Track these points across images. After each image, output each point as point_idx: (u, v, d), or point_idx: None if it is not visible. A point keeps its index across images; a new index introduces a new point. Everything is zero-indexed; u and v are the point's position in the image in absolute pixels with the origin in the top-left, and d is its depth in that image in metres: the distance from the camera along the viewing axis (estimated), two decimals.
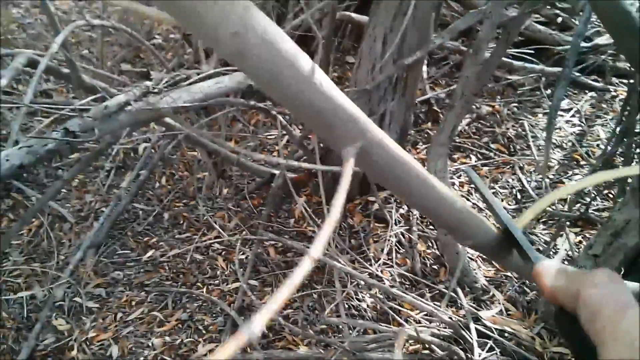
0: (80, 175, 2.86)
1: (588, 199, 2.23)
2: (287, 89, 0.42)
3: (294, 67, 0.41)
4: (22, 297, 2.22)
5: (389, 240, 2.20)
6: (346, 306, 2.05)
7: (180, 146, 2.79)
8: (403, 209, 2.37)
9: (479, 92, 1.93)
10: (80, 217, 2.57)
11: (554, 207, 2.26)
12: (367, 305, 2.07)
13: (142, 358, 2.01)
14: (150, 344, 2.04)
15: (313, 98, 0.43)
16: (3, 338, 2.07)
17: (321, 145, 2.21)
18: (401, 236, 2.23)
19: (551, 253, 2.11)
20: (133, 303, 2.20)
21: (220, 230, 2.26)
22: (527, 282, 2.07)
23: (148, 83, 1.49)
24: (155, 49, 3.23)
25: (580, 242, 2.18)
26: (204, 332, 2.06)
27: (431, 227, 2.29)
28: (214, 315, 2.11)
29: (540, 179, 2.42)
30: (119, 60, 3.24)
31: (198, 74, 1.76)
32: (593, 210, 2.25)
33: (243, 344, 0.28)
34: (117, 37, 3.50)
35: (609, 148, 2.01)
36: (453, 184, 2.47)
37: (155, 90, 1.46)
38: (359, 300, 2.08)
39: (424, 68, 2.90)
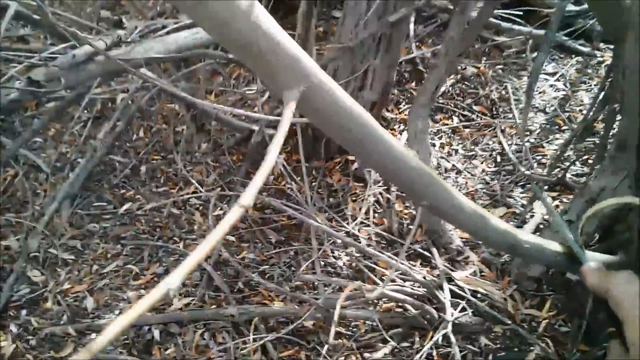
0: (57, 124, 2.80)
1: (567, 164, 2.24)
2: (224, 27, 0.39)
3: (231, 3, 0.38)
4: None
5: (367, 199, 2.20)
6: (322, 264, 2.07)
7: (159, 98, 2.73)
8: None
9: (463, 53, 1.90)
10: (56, 167, 2.52)
11: (532, 170, 2.26)
12: (343, 264, 2.08)
13: (117, 311, 2.02)
14: (125, 297, 2.05)
15: (251, 36, 0.40)
16: None
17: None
18: (379, 196, 2.23)
19: (527, 216, 2.13)
20: (109, 256, 2.20)
21: (198, 185, 2.24)
22: None
23: (120, 32, 1.43)
24: None
25: (557, 206, 2.19)
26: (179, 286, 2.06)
27: None
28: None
29: (521, 143, 2.41)
30: (99, 7, 3.12)
31: (176, 24, 1.69)
32: (572, 175, 2.26)
33: (162, 296, 0.28)
34: None
35: (591, 114, 2.00)
36: (434, 145, 2.46)
37: (128, 40, 1.40)
38: (335, 258, 2.10)
39: (411, 26, 2.84)
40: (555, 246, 0.69)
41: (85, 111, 2.84)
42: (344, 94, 0.48)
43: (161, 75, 2.36)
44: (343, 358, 1.85)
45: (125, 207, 2.35)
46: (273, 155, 0.36)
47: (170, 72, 2.38)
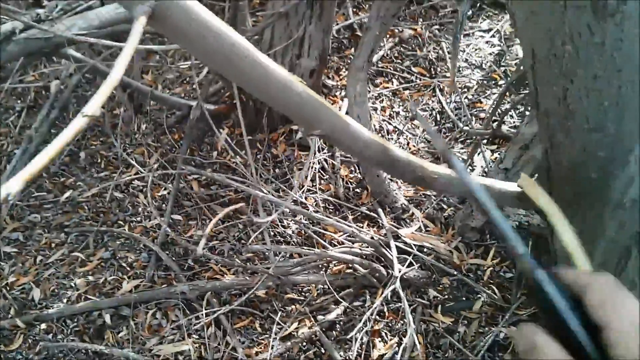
0: None
1: (500, 116, 2.29)
2: None
3: None
4: None
5: (311, 167, 2.21)
6: (271, 234, 2.07)
7: (94, 81, 2.64)
8: None
9: (397, 14, 1.90)
10: None
11: (469, 126, 2.31)
12: (292, 232, 2.09)
13: (65, 299, 1.98)
14: (72, 285, 2.01)
15: None
16: None
17: None
18: (324, 162, 2.24)
19: (469, 170, 2.18)
20: (53, 245, 2.14)
21: (139, 167, 2.19)
22: (445, 199, 2.14)
23: (40, 10, 1.38)
24: None
25: (496, 158, 2.25)
26: (128, 269, 2.03)
27: None
28: (137, 251, 2.09)
29: (459, 100, 2.46)
30: None
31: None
32: (510, 127, 2.32)
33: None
34: None
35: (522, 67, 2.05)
36: (375, 109, 2.48)
37: (49, 18, 1.34)
38: (284, 227, 2.10)
39: None
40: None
41: (19, 101, 2.73)
42: (210, 14, 0.46)
43: (93, 56, 2.28)
44: (297, 323, 1.87)
45: (66, 195, 2.29)
46: (119, 68, 0.35)
47: (99, 51, 2.29)
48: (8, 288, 2.02)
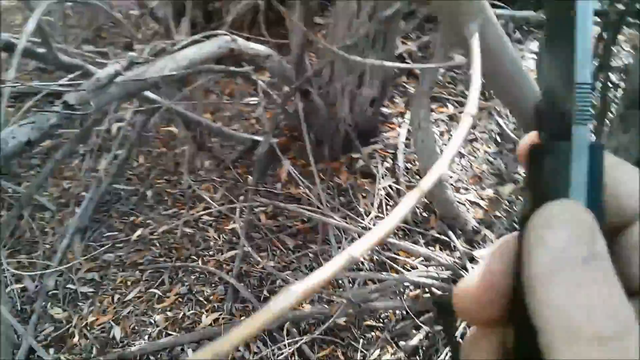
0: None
1: None
2: None
3: None
4: (13, 289, 2.17)
5: (377, 193, 2.23)
6: None
7: (153, 123, 2.73)
8: (388, 162, 2.40)
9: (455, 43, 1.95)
10: (61, 204, 2.50)
11: None
12: (364, 258, 2.10)
13: (146, 336, 2.00)
14: (152, 321, 2.03)
15: None
16: None
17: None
18: (389, 189, 2.26)
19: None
20: (129, 283, 2.18)
21: (210, 200, 2.24)
22: (516, 219, 2.13)
23: (132, 54, 1.45)
24: (116, 26, 3.12)
25: None
26: (205, 303, 2.06)
27: (417, 176, 2.32)
28: (213, 285, 2.11)
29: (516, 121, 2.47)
30: (80, 42, 3.12)
31: (173, 44, 1.71)
32: None
33: (346, 262, 0.24)
34: (76, 19, 3.36)
35: None
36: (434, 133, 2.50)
37: (140, 61, 1.41)
38: None
39: None
40: None
41: (81, 145, 2.83)
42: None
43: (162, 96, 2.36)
44: (379, 350, 1.86)
45: (137, 233, 2.34)
46: (476, 75, 0.36)
47: (167, 94, 2.38)
48: (88, 328, 2.05)
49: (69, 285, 2.19)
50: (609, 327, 0.18)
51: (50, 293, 2.16)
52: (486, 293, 0.23)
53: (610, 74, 1.87)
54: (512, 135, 2.38)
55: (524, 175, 0.23)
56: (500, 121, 2.48)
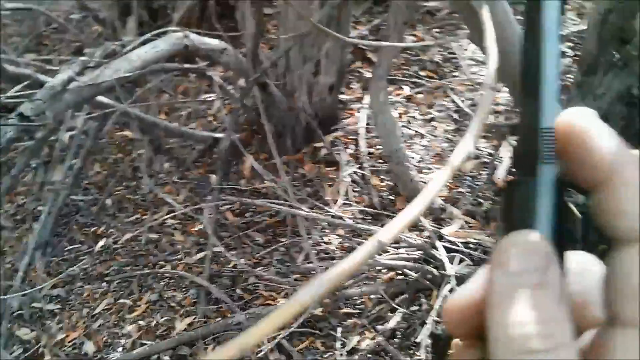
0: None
1: None
2: None
3: None
4: None
5: (343, 181, 2.22)
6: (315, 252, 2.07)
7: (107, 128, 2.64)
8: (350, 148, 2.39)
9: (407, 21, 1.95)
10: (17, 220, 2.41)
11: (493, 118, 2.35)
12: (335, 247, 2.09)
13: (120, 348, 1.95)
14: (124, 332, 1.98)
15: None
16: None
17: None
18: (354, 175, 2.26)
19: (497, 163, 2.21)
20: (96, 295, 2.12)
21: (173, 202, 2.19)
22: (480, 193, 2.16)
23: (83, 58, 1.39)
24: (58, 32, 3.01)
25: None
26: (178, 307, 2.01)
27: (380, 160, 2.33)
28: (184, 289, 2.07)
29: (473, 97, 2.50)
30: (22, 51, 2.99)
31: (123, 46, 1.65)
32: None
33: (374, 249, 0.24)
34: (15, 28, 3.21)
35: None
36: None
37: (93, 65, 1.36)
38: (325, 243, 2.10)
39: None
40: None
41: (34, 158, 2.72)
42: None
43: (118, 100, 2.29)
44: (358, 336, 1.86)
45: (100, 244, 2.28)
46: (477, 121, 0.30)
47: (119, 96, 2.30)
48: (59, 346, 1.99)
49: (34, 304, 2.11)
50: (542, 343, 0.20)
51: (15, 314, 2.08)
52: (469, 308, 0.25)
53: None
54: (469, 111, 2.41)
55: (500, 207, 0.26)
56: (456, 99, 2.50)
